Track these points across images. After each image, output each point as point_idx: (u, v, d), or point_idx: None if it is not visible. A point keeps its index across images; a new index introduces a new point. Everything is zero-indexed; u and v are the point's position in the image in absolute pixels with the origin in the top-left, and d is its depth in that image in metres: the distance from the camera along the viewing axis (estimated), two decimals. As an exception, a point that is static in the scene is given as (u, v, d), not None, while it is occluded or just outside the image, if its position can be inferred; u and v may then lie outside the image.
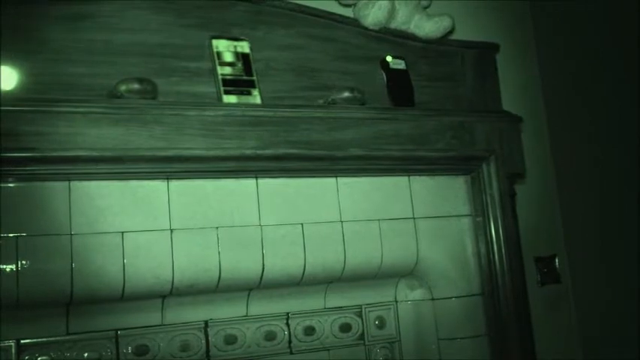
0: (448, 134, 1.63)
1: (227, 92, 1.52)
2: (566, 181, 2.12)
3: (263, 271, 1.48)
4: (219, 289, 1.45)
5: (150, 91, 1.39)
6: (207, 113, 1.40)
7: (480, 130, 1.67)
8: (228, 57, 1.57)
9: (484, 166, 1.68)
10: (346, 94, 1.57)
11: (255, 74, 1.56)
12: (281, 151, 1.45)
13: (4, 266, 1.26)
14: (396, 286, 1.71)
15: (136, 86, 1.38)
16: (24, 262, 1.27)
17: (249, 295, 1.55)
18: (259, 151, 1.43)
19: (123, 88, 1.37)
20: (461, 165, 1.68)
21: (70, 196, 1.33)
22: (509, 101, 1.88)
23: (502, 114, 1.75)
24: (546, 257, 2.06)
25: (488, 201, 1.68)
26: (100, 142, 1.30)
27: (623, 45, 1.95)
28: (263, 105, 1.50)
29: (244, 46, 1.60)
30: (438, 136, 1.62)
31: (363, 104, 1.60)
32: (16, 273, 1.26)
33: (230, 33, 1.60)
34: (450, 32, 1.83)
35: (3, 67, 1.36)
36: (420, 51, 1.81)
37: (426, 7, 1.87)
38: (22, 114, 1.26)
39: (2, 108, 1.24)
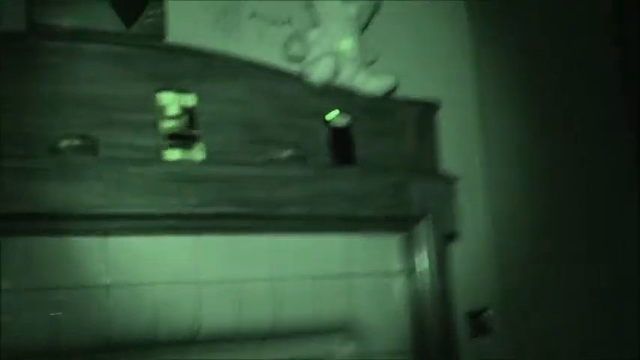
0: (386, 194, 1.68)
1: (170, 146, 1.54)
2: (502, 239, 2.19)
3: (198, 327, 1.50)
4: (154, 344, 1.47)
5: (91, 148, 1.41)
6: (148, 170, 1.42)
7: (417, 189, 1.72)
8: (174, 110, 1.59)
9: (419, 225, 1.73)
10: (288, 152, 1.61)
11: (199, 128, 1.59)
12: (221, 209, 1.48)
13: None
14: (329, 342, 1.75)
15: (77, 142, 1.39)
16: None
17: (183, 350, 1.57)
18: (199, 209, 1.45)
19: (64, 144, 1.38)
20: (397, 224, 1.73)
21: (1, 251, 1.33)
22: (448, 159, 1.94)
23: (439, 174, 1.81)
24: (478, 311, 2.13)
25: (422, 259, 1.74)
26: (38, 199, 1.31)
27: (565, 108, 2.03)
28: (205, 162, 1.52)
29: (190, 100, 1.62)
30: (376, 195, 1.67)
31: (304, 162, 1.64)
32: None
33: (176, 86, 1.62)
34: (394, 90, 1.88)
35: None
36: (363, 107, 1.86)
37: (370, 64, 1.93)
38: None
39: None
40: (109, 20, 1.57)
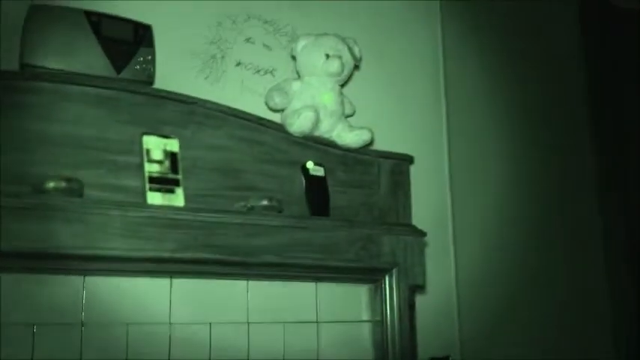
0: (357, 245, 1.74)
1: (152, 189, 1.59)
2: (464, 291, 2.27)
3: (168, 367, 1.55)
4: (126, 384, 1.51)
5: (76, 189, 1.46)
6: (130, 214, 1.47)
7: (386, 242, 1.79)
8: (157, 154, 1.64)
9: (387, 277, 1.80)
10: (265, 202, 1.67)
11: (180, 173, 1.64)
12: (198, 255, 1.53)
13: None
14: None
15: (63, 184, 1.44)
16: None
17: (152, 390, 1.61)
18: (176, 254, 1.50)
19: (51, 185, 1.43)
20: (366, 275, 1.80)
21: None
22: (418, 212, 2.02)
23: (408, 227, 1.88)
24: (441, 358, 2.19)
25: (388, 310, 1.80)
26: (21, 238, 1.35)
27: (533, 159, 2.12)
28: (184, 208, 1.57)
29: (173, 145, 1.68)
30: (348, 246, 1.73)
31: (280, 212, 1.70)
32: None
33: (161, 130, 1.67)
34: (370, 143, 1.96)
35: None
36: (340, 158, 1.93)
37: (349, 116, 2.01)
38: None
39: None
40: (100, 65, 1.63)
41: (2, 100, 1.51)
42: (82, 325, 1.47)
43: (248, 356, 1.65)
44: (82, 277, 1.48)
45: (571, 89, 1.99)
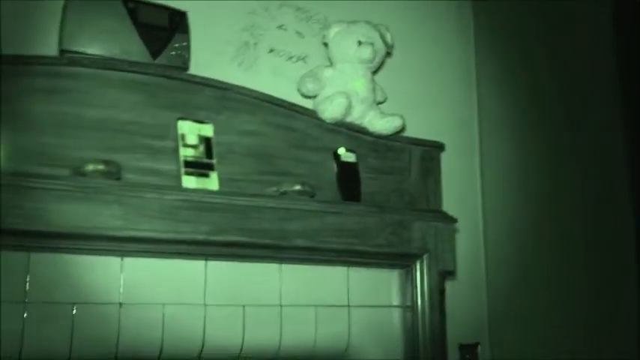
0: (387, 231, 1.76)
1: (187, 173, 1.62)
2: (495, 279, 2.27)
3: (202, 347, 1.57)
4: (159, 362, 1.55)
5: (114, 173, 1.49)
6: (166, 197, 1.50)
7: (417, 228, 1.80)
8: (192, 139, 1.67)
9: (418, 262, 1.81)
10: (297, 187, 1.69)
11: (215, 157, 1.67)
12: (231, 237, 1.55)
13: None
14: (326, 369, 1.82)
15: (101, 167, 1.47)
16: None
17: (186, 369, 1.65)
18: (211, 237, 1.53)
19: (90, 167, 1.46)
20: (397, 260, 1.81)
21: (29, 267, 1.41)
22: (448, 199, 2.03)
23: (439, 214, 1.89)
24: (470, 345, 2.20)
25: (418, 295, 1.81)
26: (62, 219, 1.39)
27: (565, 150, 2.10)
28: (219, 192, 1.60)
29: (208, 130, 1.70)
30: (379, 232, 1.74)
31: (312, 197, 1.72)
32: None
33: (196, 116, 1.70)
34: (401, 130, 1.97)
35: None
36: (371, 145, 1.95)
37: (380, 103, 2.02)
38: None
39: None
40: (137, 51, 1.65)
41: (42, 84, 1.55)
42: (120, 305, 1.50)
43: (280, 338, 1.67)
44: (120, 258, 1.51)
45: (604, 78, 1.97)
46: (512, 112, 2.27)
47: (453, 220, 1.88)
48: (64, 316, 1.43)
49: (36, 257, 1.43)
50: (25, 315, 1.40)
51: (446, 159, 2.07)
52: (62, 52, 1.61)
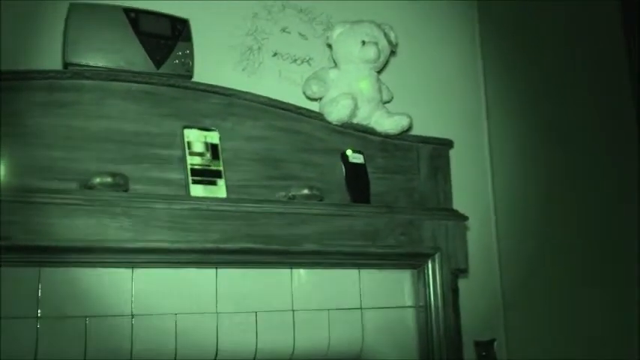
0: (398, 231, 1.75)
1: (194, 182, 1.62)
2: (509, 275, 2.26)
3: (216, 355, 1.57)
4: (173, 372, 1.55)
5: (122, 184, 1.49)
6: (174, 206, 1.50)
7: (427, 227, 1.79)
8: (198, 147, 1.67)
9: (429, 262, 1.80)
10: (305, 190, 1.69)
11: (222, 164, 1.67)
12: (241, 245, 1.55)
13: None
14: (341, 372, 1.82)
15: (108, 179, 1.47)
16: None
17: (201, 376, 1.65)
18: (221, 245, 1.53)
19: (97, 180, 1.46)
20: (408, 260, 1.80)
21: (40, 282, 1.42)
22: (459, 196, 2.01)
23: (450, 212, 1.88)
24: (486, 341, 2.19)
25: (431, 294, 1.81)
26: (71, 233, 1.39)
27: (575, 145, 2.09)
28: (227, 199, 1.60)
29: (214, 137, 1.70)
30: (389, 232, 1.74)
31: (321, 200, 1.71)
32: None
33: (201, 123, 1.70)
34: (408, 129, 1.96)
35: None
36: (379, 145, 1.94)
37: (386, 102, 2.00)
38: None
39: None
40: (140, 60, 1.65)
41: (46, 98, 1.55)
42: (132, 317, 1.50)
43: (294, 343, 1.67)
44: (131, 269, 1.51)
45: (615, 70, 1.95)
46: (521, 106, 2.26)
47: (464, 218, 1.87)
48: (76, 330, 1.44)
49: (46, 272, 1.43)
50: (38, 330, 1.40)
51: (455, 156, 2.05)
52: (66, 65, 1.61)
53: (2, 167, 1.44)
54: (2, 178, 1.44)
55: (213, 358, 1.58)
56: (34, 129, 1.52)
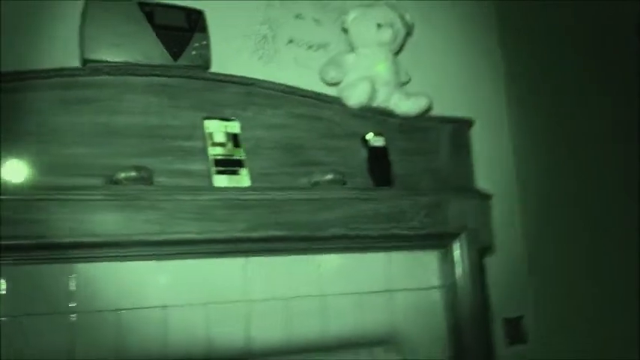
0: (422, 212, 1.75)
1: (218, 172, 1.62)
2: (535, 252, 2.25)
3: (249, 343, 1.59)
4: (208, 360, 1.56)
5: (146, 178, 1.50)
6: (199, 198, 1.51)
7: (452, 207, 1.79)
8: (219, 137, 1.67)
9: (455, 241, 1.80)
10: (329, 176, 1.69)
11: (244, 154, 1.67)
12: (268, 232, 1.55)
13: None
14: (373, 353, 1.82)
15: (133, 174, 1.48)
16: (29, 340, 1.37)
17: (234, 365, 1.66)
18: (248, 234, 1.53)
19: (122, 175, 1.47)
20: (434, 241, 1.80)
21: (72, 277, 1.44)
22: (482, 175, 2.00)
23: (473, 191, 1.87)
24: (514, 318, 2.19)
25: (458, 274, 1.80)
26: (99, 228, 1.40)
27: (598, 120, 2.07)
28: (251, 188, 1.60)
29: (234, 127, 1.70)
30: (413, 214, 1.73)
31: (344, 185, 1.71)
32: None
33: (221, 114, 1.70)
34: (428, 110, 1.95)
35: (4, 152, 1.45)
36: (398, 127, 1.93)
37: (404, 84, 2.00)
38: (28, 202, 1.35)
39: (9, 197, 1.34)
40: (157, 54, 1.65)
41: (66, 96, 1.56)
42: (164, 308, 1.51)
43: (324, 327, 1.68)
44: (159, 261, 1.53)
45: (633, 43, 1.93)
46: (541, 80, 2.24)
47: (488, 196, 1.86)
48: (110, 323, 1.45)
49: (78, 268, 1.45)
50: (73, 325, 1.42)
51: (476, 134, 2.04)
52: (85, 61, 1.61)
53: (29, 167, 1.45)
54: (30, 177, 1.44)
55: (245, 346, 1.59)
56: (56, 127, 1.53)
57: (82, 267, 1.45)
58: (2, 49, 1.58)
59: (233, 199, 1.54)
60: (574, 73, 2.12)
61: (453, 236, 1.80)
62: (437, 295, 1.83)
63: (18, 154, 1.46)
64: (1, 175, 1.40)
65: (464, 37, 2.30)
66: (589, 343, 2.07)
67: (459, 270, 1.81)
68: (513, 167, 2.31)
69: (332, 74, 1.90)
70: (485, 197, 1.85)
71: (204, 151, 1.64)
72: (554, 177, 2.20)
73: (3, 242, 1.31)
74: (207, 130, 1.66)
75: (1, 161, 1.42)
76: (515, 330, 2.20)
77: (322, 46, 2.04)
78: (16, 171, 1.44)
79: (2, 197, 1.33)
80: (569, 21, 2.15)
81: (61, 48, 1.68)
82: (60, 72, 1.57)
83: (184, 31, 1.71)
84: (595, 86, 2.04)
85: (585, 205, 2.08)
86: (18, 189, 1.38)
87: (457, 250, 1.81)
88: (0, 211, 1.31)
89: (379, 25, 1.89)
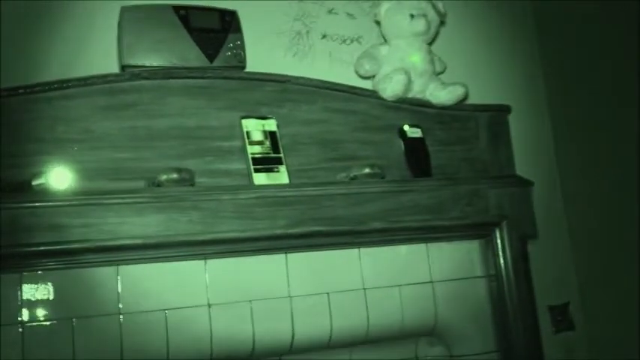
0: (462, 202, 1.74)
1: (257, 171, 1.64)
2: (579, 238, 2.22)
3: (293, 338, 1.61)
4: (253, 357, 1.58)
5: (188, 179, 1.52)
6: (240, 196, 1.53)
7: (492, 196, 1.78)
8: (257, 135, 1.69)
9: (497, 230, 1.79)
10: (367, 170, 1.69)
11: (282, 150, 1.69)
12: (308, 228, 1.57)
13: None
14: (417, 345, 1.83)
15: (174, 176, 1.51)
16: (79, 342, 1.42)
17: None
18: (288, 230, 1.55)
19: (164, 177, 1.50)
20: (475, 231, 1.79)
21: (118, 279, 1.48)
22: (521, 162, 1.98)
23: (514, 178, 1.86)
24: (560, 305, 2.16)
25: (502, 262, 1.79)
26: (144, 230, 1.44)
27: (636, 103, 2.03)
28: (290, 185, 1.62)
29: (271, 124, 1.72)
30: (453, 204, 1.73)
31: (382, 178, 1.72)
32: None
33: (258, 112, 1.72)
34: (464, 98, 1.93)
35: (52, 159, 1.50)
36: (435, 117, 1.92)
37: (440, 73, 1.99)
38: (74, 207, 1.39)
39: (56, 203, 1.38)
40: (193, 56, 1.68)
41: (108, 102, 1.59)
42: (209, 307, 1.54)
43: (368, 321, 1.69)
44: (203, 261, 1.55)
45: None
46: (578, 65, 2.20)
47: (529, 183, 1.85)
48: (157, 323, 1.49)
49: (124, 269, 1.48)
50: (121, 326, 1.45)
51: (514, 121, 2.02)
52: (123, 67, 1.65)
53: (74, 172, 1.49)
54: (74, 182, 1.49)
55: (290, 341, 1.61)
56: (99, 133, 1.57)
57: (128, 269, 1.49)
58: (51, 59, 1.62)
59: (273, 197, 1.56)
60: (615, 59, 2.07)
61: (495, 225, 1.79)
62: (480, 285, 1.82)
63: (64, 161, 1.50)
64: (50, 182, 1.44)
65: (497, 23, 2.28)
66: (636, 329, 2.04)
67: (501, 259, 1.80)
68: (554, 155, 2.28)
69: (366, 67, 1.90)
70: (526, 184, 1.84)
71: (242, 150, 1.66)
72: (596, 159, 2.16)
73: (51, 247, 1.35)
74: (244, 129, 1.68)
75: (50, 168, 1.46)
76: (561, 317, 2.18)
77: (356, 40, 2.04)
78: (63, 177, 1.48)
79: (50, 204, 1.37)
80: (611, 9, 2.10)
81: (102, 56, 1.71)
82: (101, 79, 1.60)
83: (219, 32, 1.73)
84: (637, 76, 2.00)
85: (629, 191, 2.04)
86: (64, 195, 1.41)
87: (499, 239, 1.80)
88: (48, 217, 1.35)
89: (412, 16, 1.89)
